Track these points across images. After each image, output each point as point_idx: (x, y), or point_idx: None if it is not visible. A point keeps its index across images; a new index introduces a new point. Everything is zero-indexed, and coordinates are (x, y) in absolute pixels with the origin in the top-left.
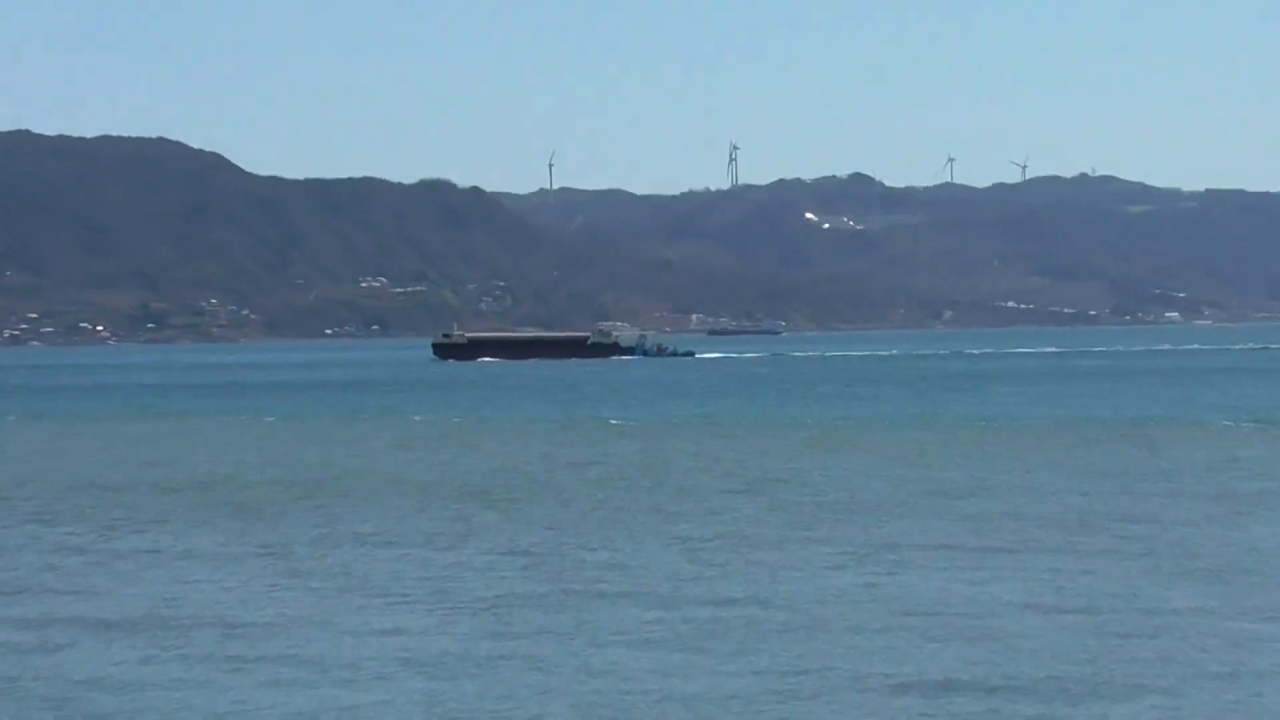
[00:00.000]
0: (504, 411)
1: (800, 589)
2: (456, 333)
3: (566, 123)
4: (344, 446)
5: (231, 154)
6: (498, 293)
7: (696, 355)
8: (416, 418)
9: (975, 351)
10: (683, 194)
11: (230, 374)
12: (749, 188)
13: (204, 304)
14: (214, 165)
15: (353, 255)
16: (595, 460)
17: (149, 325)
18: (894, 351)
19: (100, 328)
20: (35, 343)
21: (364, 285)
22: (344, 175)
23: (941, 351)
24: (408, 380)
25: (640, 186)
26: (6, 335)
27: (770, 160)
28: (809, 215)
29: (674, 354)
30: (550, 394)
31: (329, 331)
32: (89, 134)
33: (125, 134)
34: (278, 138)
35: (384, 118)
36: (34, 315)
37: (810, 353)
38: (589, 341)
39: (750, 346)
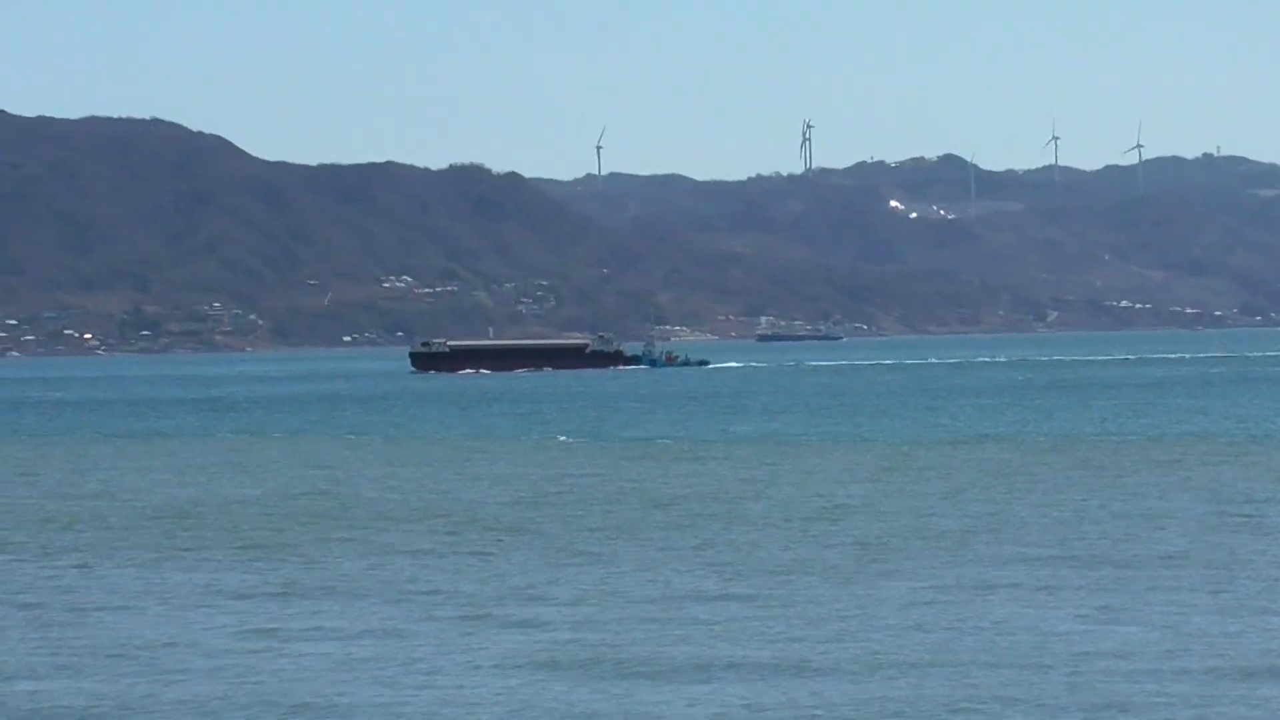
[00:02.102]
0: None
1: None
2: (437, 340)
3: (616, 99)
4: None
5: (234, 136)
6: (539, 293)
7: (711, 365)
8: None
9: (1065, 358)
10: (749, 179)
11: (182, 388)
12: (825, 172)
13: (204, 308)
14: (214, 150)
15: (372, 252)
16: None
17: (142, 332)
18: (958, 360)
19: (88, 335)
20: (14, 353)
21: (385, 286)
22: (361, 160)
23: (1022, 357)
24: (369, 395)
25: (701, 171)
26: None
27: (849, 141)
28: (894, 203)
29: (685, 363)
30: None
31: (347, 338)
32: (72, 115)
33: (113, 115)
34: (285, 118)
35: (406, 94)
36: (12, 322)
37: (854, 362)
38: (588, 349)
39: (783, 355)
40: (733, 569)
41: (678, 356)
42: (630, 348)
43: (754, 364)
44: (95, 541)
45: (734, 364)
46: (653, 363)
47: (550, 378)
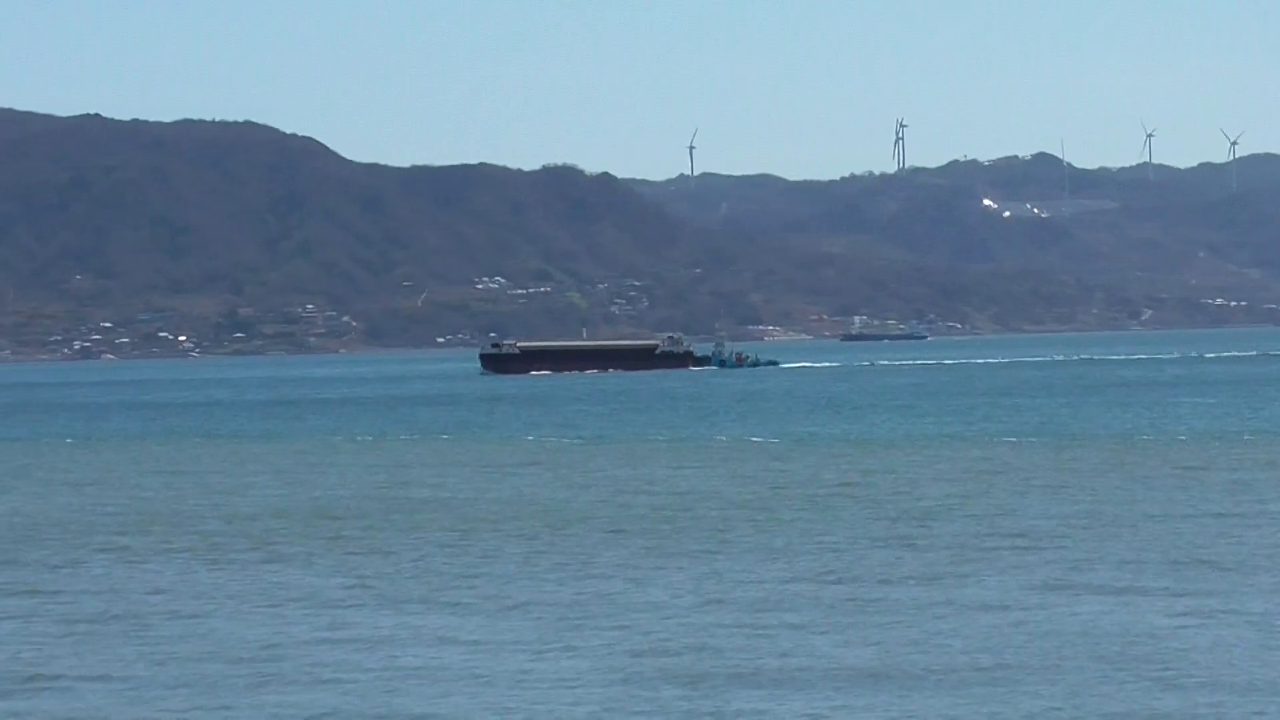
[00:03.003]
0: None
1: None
2: (507, 342)
3: (709, 99)
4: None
5: (327, 139)
6: (632, 293)
7: (781, 365)
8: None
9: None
10: (842, 179)
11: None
12: (918, 171)
13: (297, 310)
14: (307, 152)
15: (465, 253)
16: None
17: (236, 334)
18: (1056, 357)
19: (182, 338)
20: (109, 355)
21: (479, 287)
22: (455, 162)
23: (1106, 356)
24: (438, 396)
25: (793, 171)
26: (76, 346)
27: (942, 139)
28: (987, 201)
29: (755, 363)
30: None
31: (440, 340)
32: (166, 118)
33: (207, 118)
34: (379, 120)
35: (500, 95)
36: (107, 324)
37: (940, 360)
38: (657, 351)
39: (856, 354)
40: (823, 570)
41: (748, 357)
42: (700, 349)
43: (827, 364)
44: (195, 544)
45: (806, 364)
46: (722, 363)
47: (623, 379)
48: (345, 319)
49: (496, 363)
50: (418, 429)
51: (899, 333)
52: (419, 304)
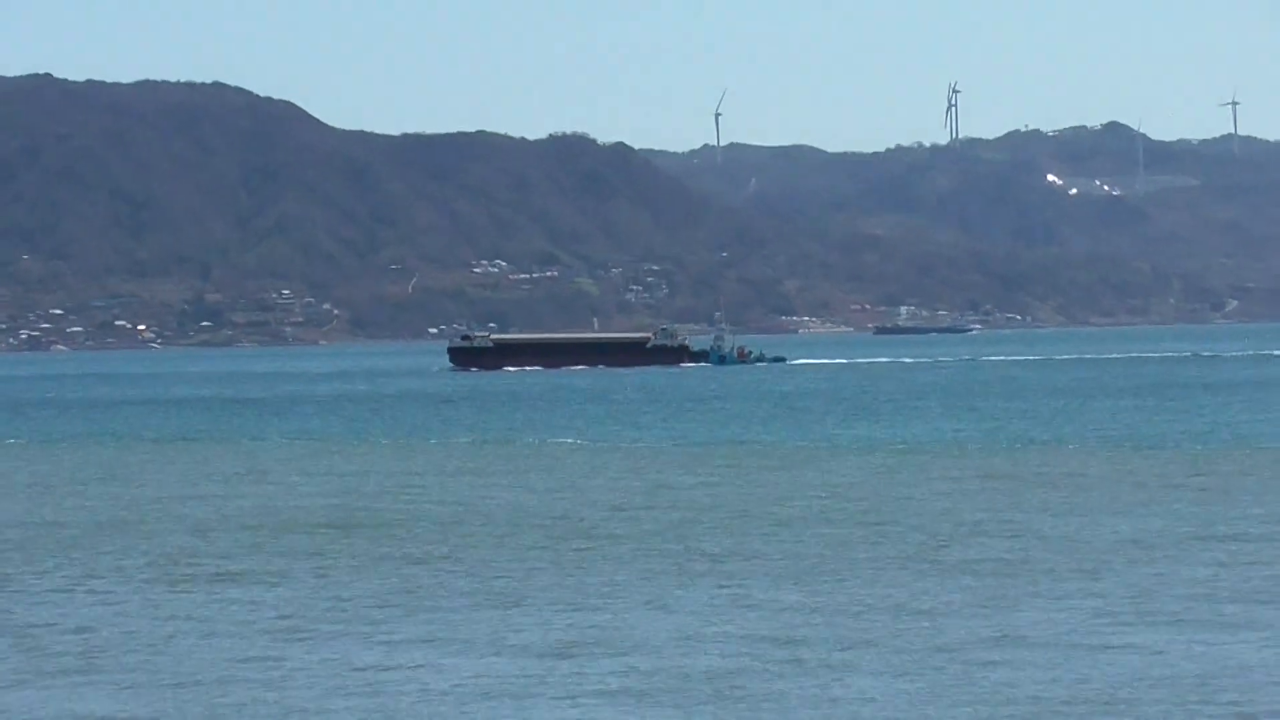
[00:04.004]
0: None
1: None
2: (479, 334)
3: (738, 60)
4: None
5: (306, 104)
6: (649, 279)
7: (789, 361)
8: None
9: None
10: (888, 151)
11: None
12: (973, 142)
13: (273, 297)
14: (284, 118)
15: (462, 233)
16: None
17: (203, 324)
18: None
19: (142, 327)
20: (60, 346)
21: (477, 271)
22: (450, 130)
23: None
24: (390, 396)
25: (833, 142)
26: (24, 336)
27: (1000, 107)
28: (1052, 177)
29: (759, 359)
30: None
31: (433, 330)
32: (125, 79)
33: (171, 79)
34: (365, 83)
35: (502, 55)
36: (57, 312)
37: (980, 357)
38: (649, 344)
39: (891, 349)
40: (855, 601)
41: (751, 352)
42: (697, 342)
43: (841, 360)
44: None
45: (820, 360)
46: (721, 359)
47: (606, 376)
48: (326, 307)
49: (466, 358)
50: (312, 434)
51: (943, 326)
52: (409, 290)
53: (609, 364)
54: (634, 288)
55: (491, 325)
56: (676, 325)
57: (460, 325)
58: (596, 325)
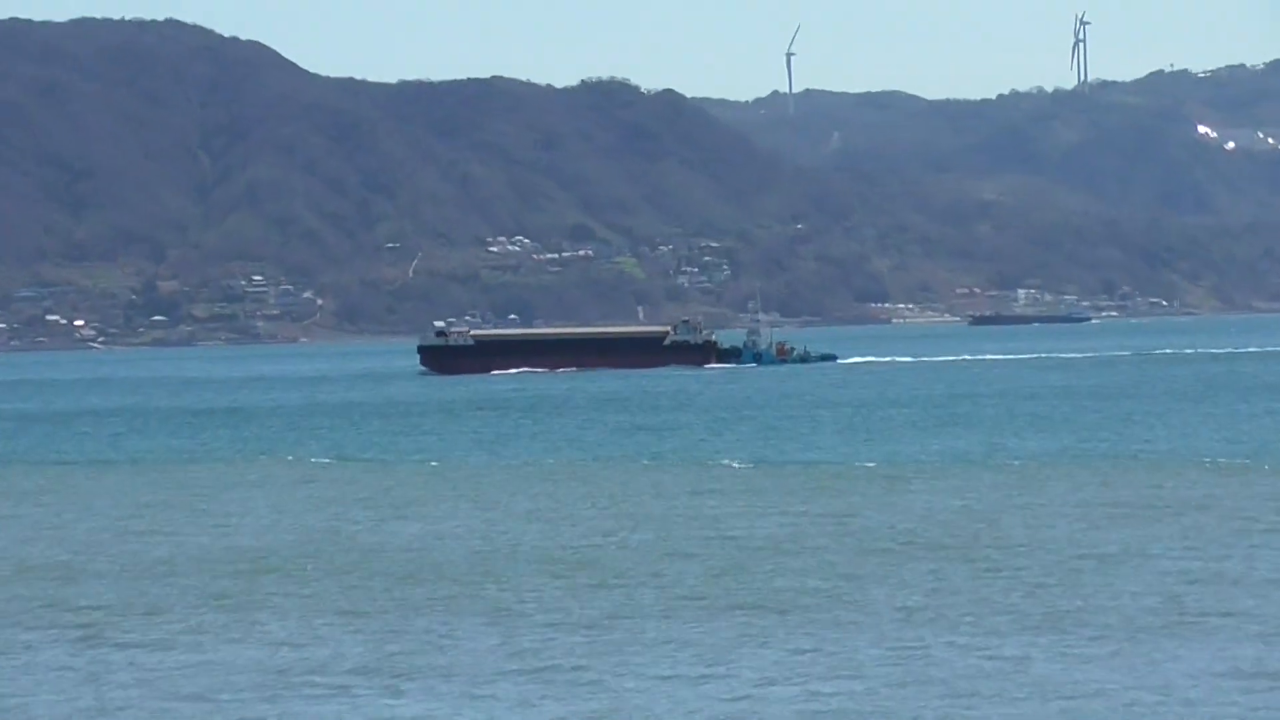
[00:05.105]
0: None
1: None
2: (456, 330)
3: None
4: None
5: (281, 45)
6: (707, 259)
7: (839, 360)
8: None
9: None
10: (1000, 98)
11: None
12: (1107, 86)
13: (241, 284)
14: (254, 63)
15: (474, 203)
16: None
17: (155, 317)
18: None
19: (80, 322)
20: None
21: (493, 250)
22: (460, 75)
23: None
24: (335, 406)
25: (931, 88)
26: None
27: (1140, 42)
28: (1203, 129)
29: (804, 359)
30: None
31: (439, 324)
32: (59, 17)
33: (114, 15)
34: (353, 21)
35: None
36: None
37: (1089, 353)
38: (667, 341)
39: (975, 343)
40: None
41: (793, 349)
42: (726, 337)
43: (906, 359)
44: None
45: (873, 358)
46: (758, 358)
47: (610, 380)
48: (307, 296)
49: (441, 358)
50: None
51: (1056, 315)
52: (410, 274)
53: (618, 365)
54: (688, 269)
55: (512, 317)
56: (762, 319)
57: (473, 317)
58: (642, 316)
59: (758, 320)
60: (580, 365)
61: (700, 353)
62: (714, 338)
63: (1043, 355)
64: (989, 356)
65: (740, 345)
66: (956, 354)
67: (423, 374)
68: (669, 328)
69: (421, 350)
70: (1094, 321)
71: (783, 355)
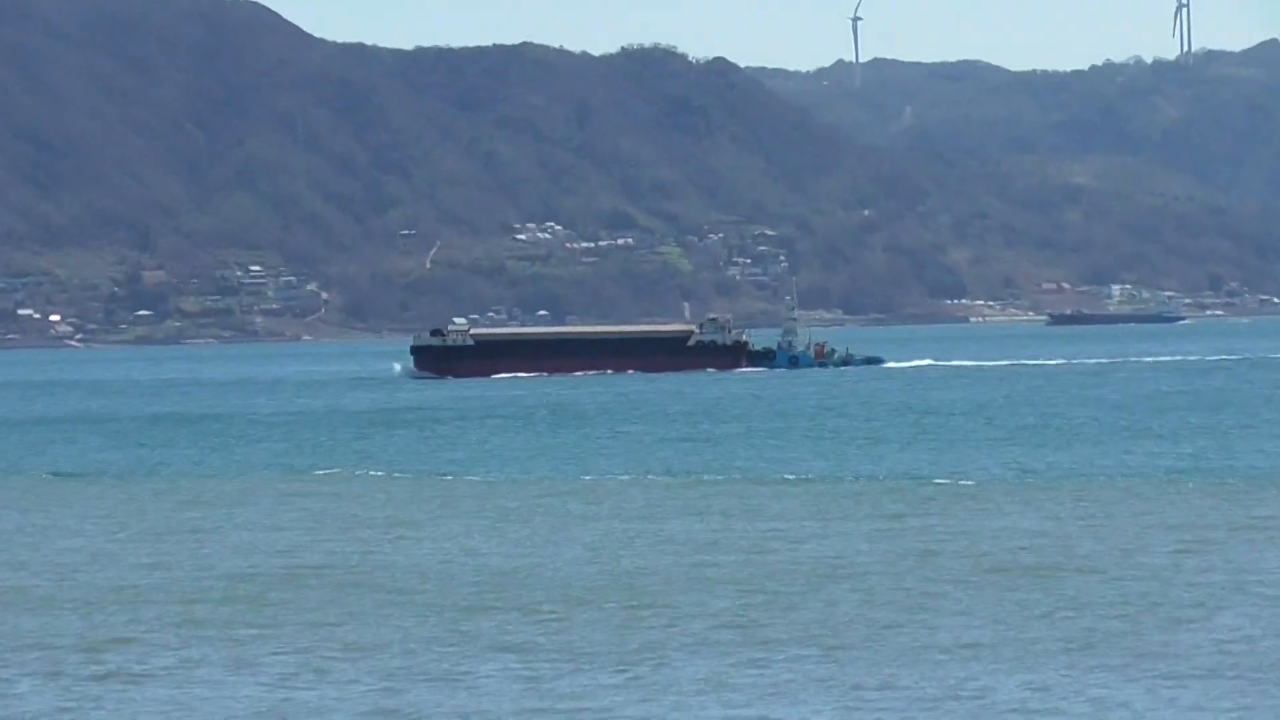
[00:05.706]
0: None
1: None
2: (455, 328)
3: None
4: None
5: (281, 6)
6: (762, 248)
7: (887, 363)
8: None
9: None
10: (1093, 68)
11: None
12: (1213, 56)
13: (236, 275)
14: (253, 26)
15: (500, 185)
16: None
17: (139, 312)
18: None
19: (55, 318)
20: None
21: (522, 239)
22: (484, 42)
23: None
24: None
25: (1014, 58)
26: None
27: (1250, 8)
28: None
29: (846, 361)
30: None
31: (460, 320)
32: None
33: None
34: None
35: None
36: None
37: (1180, 356)
38: (692, 341)
39: (1051, 346)
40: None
41: (833, 351)
42: (758, 338)
43: (969, 362)
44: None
45: (930, 361)
46: (793, 361)
47: (624, 386)
48: (311, 289)
49: (437, 359)
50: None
51: (1144, 314)
52: (426, 266)
53: (638, 367)
54: (740, 260)
55: (542, 314)
56: (799, 314)
57: (498, 313)
58: (688, 313)
59: (793, 318)
60: (595, 368)
61: (729, 354)
62: (745, 338)
63: (1118, 360)
64: (1039, 362)
65: (774, 347)
66: (1016, 358)
67: (415, 376)
68: (694, 326)
69: (415, 350)
70: (1186, 321)
71: (821, 358)
